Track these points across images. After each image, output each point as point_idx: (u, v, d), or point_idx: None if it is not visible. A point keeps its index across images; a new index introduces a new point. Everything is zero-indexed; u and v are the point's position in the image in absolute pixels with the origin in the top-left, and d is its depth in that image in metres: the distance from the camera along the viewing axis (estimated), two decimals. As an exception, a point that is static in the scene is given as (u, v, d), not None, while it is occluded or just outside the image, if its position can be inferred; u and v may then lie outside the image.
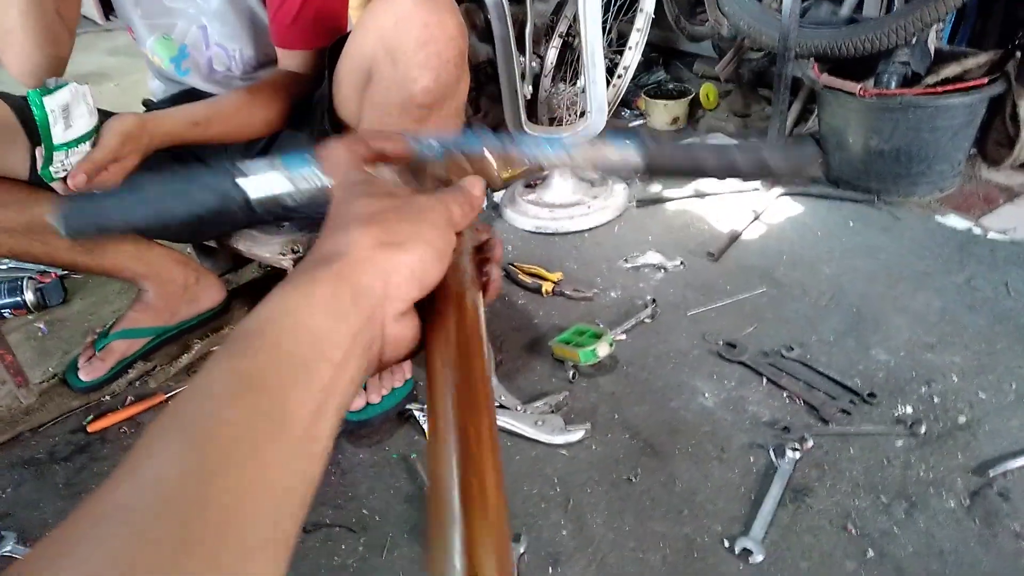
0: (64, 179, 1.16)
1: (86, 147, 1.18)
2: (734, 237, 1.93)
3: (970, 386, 1.42)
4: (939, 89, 1.91)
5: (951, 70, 1.98)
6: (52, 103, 1.11)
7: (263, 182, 0.54)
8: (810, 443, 1.31)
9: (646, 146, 0.55)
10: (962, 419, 1.34)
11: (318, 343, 0.37)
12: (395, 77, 1.16)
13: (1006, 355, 1.49)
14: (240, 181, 0.54)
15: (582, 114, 2.04)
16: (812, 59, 2.13)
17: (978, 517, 1.17)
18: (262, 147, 1.50)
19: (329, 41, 1.35)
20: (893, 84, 2.02)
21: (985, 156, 2.19)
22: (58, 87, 1.12)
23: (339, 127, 1.36)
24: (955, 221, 1.99)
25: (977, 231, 1.94)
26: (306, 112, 1.42)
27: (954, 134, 1.95)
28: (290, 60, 1.39)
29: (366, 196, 0.46)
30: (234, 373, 0.34)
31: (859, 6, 2.31)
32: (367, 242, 0.41)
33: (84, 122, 1.16)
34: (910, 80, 2.04)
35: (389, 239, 0.42)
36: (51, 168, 1.15)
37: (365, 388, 1.41)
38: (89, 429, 1.50)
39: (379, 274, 0.41)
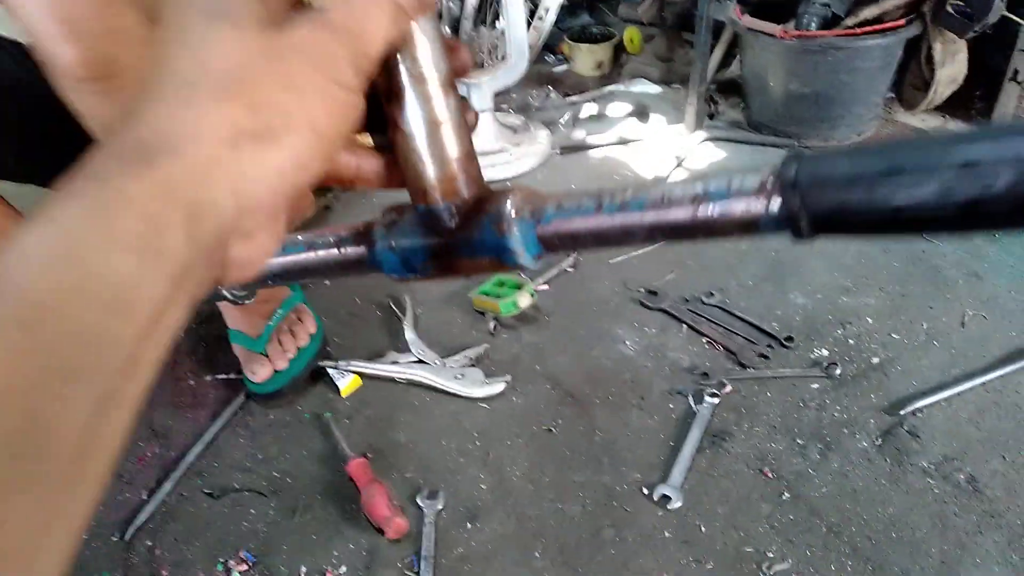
0: None
1: None
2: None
3: (884, 327, 1.44)
4: (858, 31, 1.90)
5: (870, 11, 1.97)
6: None
7: None
8: (728, 388, 1.31)
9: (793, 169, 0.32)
10: (875, 360, 1.36)
11: (121, 304, 0.24)
12: None
13: (918, 296, 1.51)
14: None
15: (504, 58, 1.97)
16: (734, 0, 2.09)
17: (889, 456, 1.19)
18: None
19: None
20: (814, 26, 2.00)
21: (902, 99, 2.22)
22: None
23: None
24: (872, 165, 2.00)
25: (893, 174, 1.96)
26: None
27: (871, 77, 1.96)
28: None
29: (225, 23, 0.28)
30: None
31: (781, -54, 2.28)
32: (220, 131, 0.27)
33: None
34: (830, 22, 2.03)
35: (254, 125, 0.27)
36: None
37: (268, 356, 1.35)
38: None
39: (230, 185, 0.27)
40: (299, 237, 0.49)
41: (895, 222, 0.29)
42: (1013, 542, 1.06)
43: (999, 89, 2.04)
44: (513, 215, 0.39)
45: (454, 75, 0.40)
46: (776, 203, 0.31)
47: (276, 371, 1.35)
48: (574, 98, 2.40)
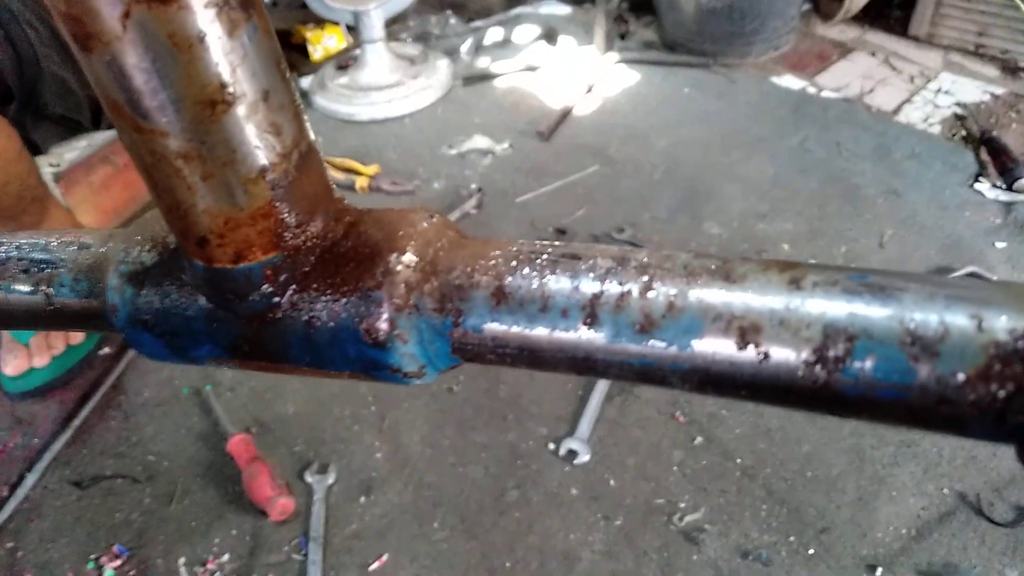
0: None
1: None
2: (566, 113, 1.79)
3: (801, 253, 1.37)
4: (770, -62, 1.79)
5: (782, -83, 1.86)
6: None
7: None
8: (639, 329, 1.23)
9: None
10: (791, 288, 1.30)
11: None
12: None
13: (836, 218, 1.45)
14: None
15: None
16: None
17: (804, 389, 1.13)
18: None
19: None
20: (724, -66, 1.88)
21: (819, 10, 2.12)
22: None
23: None
24: (790, 81, 1.92)
25: (811, 90, 1.88)
26: None
27: (786, -13, 1.86)
28: None
29: None
30: None
31: None
32: None
33: None
34: (742, -70, 1.91)
35: None
36: None
37: (30, 348, 1.20)
38: None
39: None
40: None
41: None
42: (928, 471, 1.02)
43: (916, -5, 1.97)
44: (401, 303, 0.20)
45: None
46: None
47: (33, 368, 1.20)
48: (478, 23, 2.25)
